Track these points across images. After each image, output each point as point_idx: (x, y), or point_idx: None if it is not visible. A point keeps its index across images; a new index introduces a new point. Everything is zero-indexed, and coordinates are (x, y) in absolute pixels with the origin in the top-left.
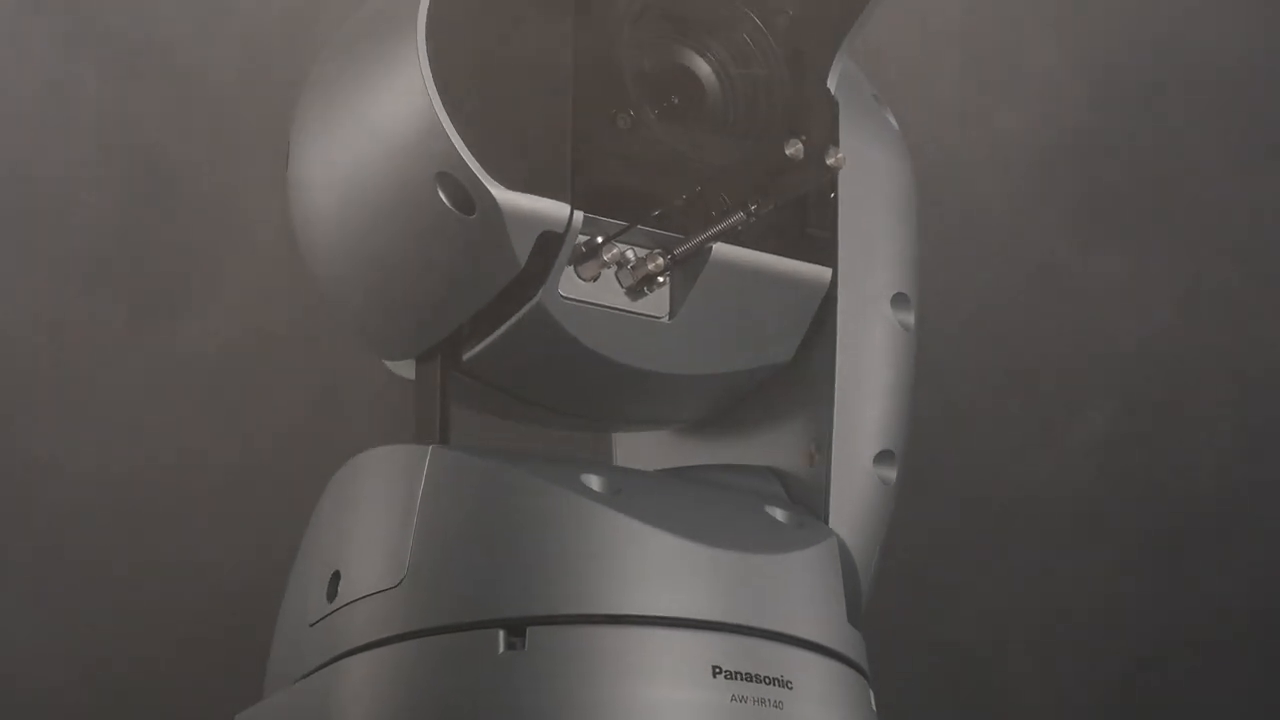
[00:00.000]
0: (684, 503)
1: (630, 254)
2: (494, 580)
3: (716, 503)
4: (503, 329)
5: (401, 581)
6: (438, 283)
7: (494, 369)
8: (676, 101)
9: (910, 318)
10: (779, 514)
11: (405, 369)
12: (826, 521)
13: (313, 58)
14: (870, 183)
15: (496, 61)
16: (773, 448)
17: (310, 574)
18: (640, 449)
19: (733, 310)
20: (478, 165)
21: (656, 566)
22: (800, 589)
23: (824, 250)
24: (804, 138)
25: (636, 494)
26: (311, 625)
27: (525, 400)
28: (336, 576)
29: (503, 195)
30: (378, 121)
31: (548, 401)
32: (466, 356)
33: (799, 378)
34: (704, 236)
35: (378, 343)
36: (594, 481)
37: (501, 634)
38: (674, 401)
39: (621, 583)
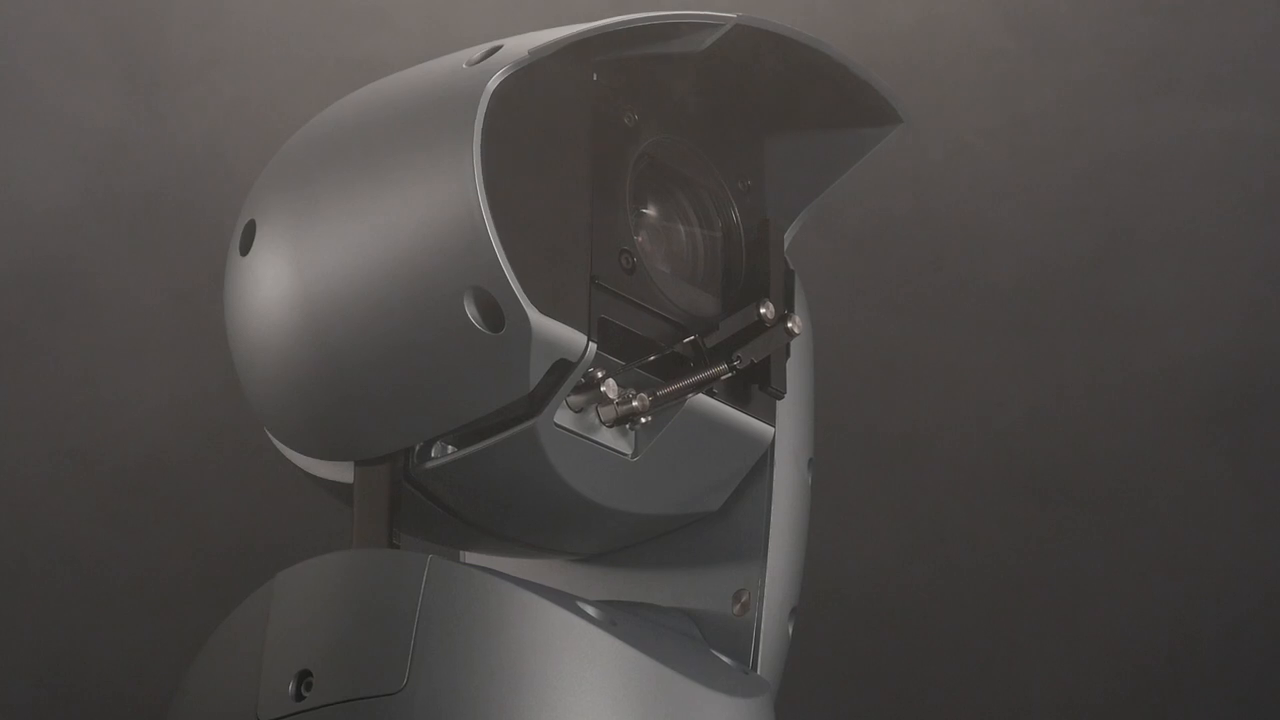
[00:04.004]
0: (666, 642)
1: (612, 391)
2: (509, 699)
3: (682, 642)
4: (480, 445)
5: (403, 689)
6: (431, 392)
7: (448, 483)
8: (663, 249)
9: (810, 481)
10: (724, 659)
11: (326, 468)
12: (755, 670)
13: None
14: (797, 351)
15: (526, 187)
16: (688, 591)
17: (257, 668)
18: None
19: (690, 456)
20: (518, 285)
21: (666, 702)
22: None
23: (767, 409)
24: (770, 302)
25: (630, 627)
26: None
27: (457, 515)
28: (305, 675)
29: (536, 317)
30: (404, 225)
31: (483, 521)
32: (428, 466)
33: (723, 527)
34: (689, 383)
35: (315, 440)
36: (590, 610)
37: None
38: (604, 536)
39: (637, 714)
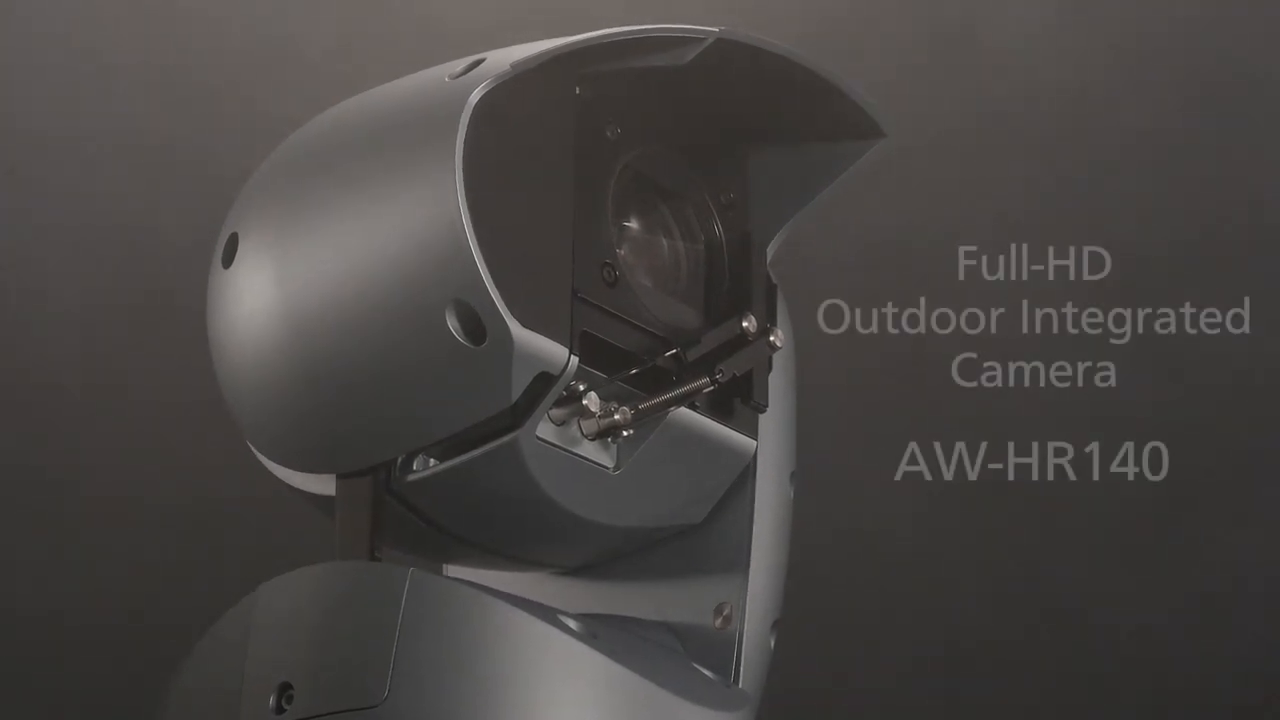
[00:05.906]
0: (648, 655)
1: (594, 404)
2: (490, 712)
3: (663, 656)
4: (462, 459)
5: (384, 702)
6: (413, 405)
7: (429, 496)
8: (645, 263)
9: (793, 494)
10: (707, 673)
11: (309, 481)
12: (737, 683)
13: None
14: (779, 364)
15: (508, 199)
16: (670, 605)
17: (239, 681)
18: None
19: (672, 469)
20: (499, 297)
21: (647, 716)
22: None
23: (749, 423)
24: (752, 315)
25: (611, 640)
26: None
27: (439, 528)
28: (286, 688)
29: (517, 330)
30: (386, 238)
31: (465, 533)
32: (410, 479)
33: (705, 541)
34: (671, 396)
35: (297, 453)
36: (572, 623)
37: None
38: (586, 549)
39: None
